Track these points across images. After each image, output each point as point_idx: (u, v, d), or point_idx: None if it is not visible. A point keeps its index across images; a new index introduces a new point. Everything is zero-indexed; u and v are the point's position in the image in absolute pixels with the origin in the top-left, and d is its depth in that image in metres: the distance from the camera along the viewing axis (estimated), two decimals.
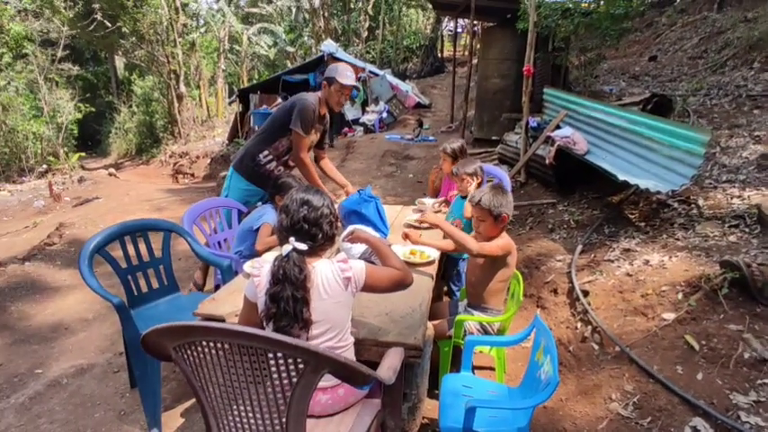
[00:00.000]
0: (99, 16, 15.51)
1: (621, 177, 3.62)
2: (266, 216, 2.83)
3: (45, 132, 14.99)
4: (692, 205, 3.59)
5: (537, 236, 4.19)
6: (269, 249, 2.69)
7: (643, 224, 3.66)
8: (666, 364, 2.25)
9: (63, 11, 15.65)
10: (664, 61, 8.80)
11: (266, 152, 3.22)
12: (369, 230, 2.40)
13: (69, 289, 4.36)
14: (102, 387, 2.73)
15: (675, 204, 3.71)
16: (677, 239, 3.20)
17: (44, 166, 14.28)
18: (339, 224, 1.64)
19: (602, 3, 6.42)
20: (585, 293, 3.02)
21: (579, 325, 2.88)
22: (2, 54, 15.00)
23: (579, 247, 3.60)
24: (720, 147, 4.43)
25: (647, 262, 3.03)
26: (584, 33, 6.80)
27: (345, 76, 3.06)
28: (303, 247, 1.44)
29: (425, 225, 2.96)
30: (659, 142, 3.77)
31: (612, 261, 3.23)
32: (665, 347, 2.35)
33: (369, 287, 1.55)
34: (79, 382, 2.81)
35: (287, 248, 1.44)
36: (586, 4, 6.69)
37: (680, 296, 2.59)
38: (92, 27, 16.17)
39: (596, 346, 2.63)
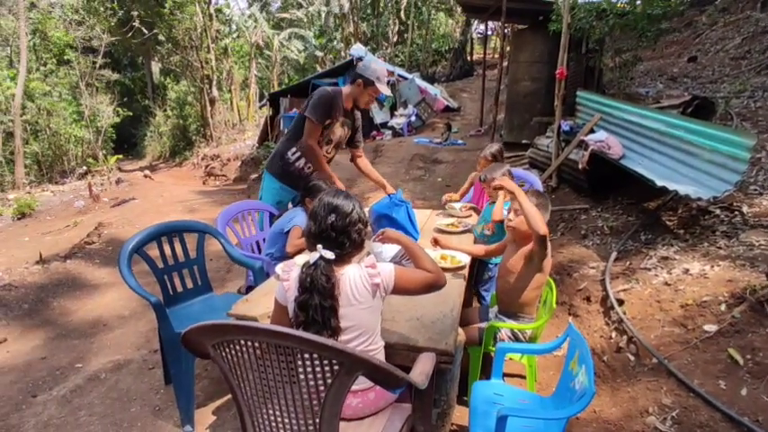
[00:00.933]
0: (137, 23, 16.09)
1: (659, 183, 3.50)
2: (297, 219, 2.86)
3: (85, 136, 15.66)
4: (736, 212, 3.45)
5: (569, 242, 4.10)
6: (300, 252, 2.72)
7: (682, 231, 3.53)
8: (708, 378, 2.16)
9: (105, 19, 16.30)
10: (704, 62, 8.49)
11: (294, 149, 3.21)
12: None
13: (107, 286, 4.52)
14: (138, 383, 2.81)
15: (717, 211, 3.56)
16: (719, 248, 3.07)
17: (84, 167, 14.89)
18: (368, 229, 1.64)
19: (638, 3, 6.26)
20: (620, 302, 2.94)
21: (614, 334, 2.80)
22: (47, 61, 15.75)
23: (614, 254, 3.50)
24: (766, 151, 4.24)
25: (686, 271, 2.92)
26: (620, 34, 6.63)
27: (384, 83, 3.04)
28: (330, 256, 1.43)
29: (456, 230, 2.95)
30: (700, 146, 3.63)
31: (649, 269, 3.13)
32: (706, 360, 2.26)
33: (400, 290, 1.54)
34: (116, 377, 2.90)
35: (314, 256, 1.44)
36: (622, 5, 6.52)
37: (723, 307, 2.48)
38: (130, 34, 16.78)
39: (632, 357, 2.55)
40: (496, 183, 2.34)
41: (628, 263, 3.34)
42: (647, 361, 2.45)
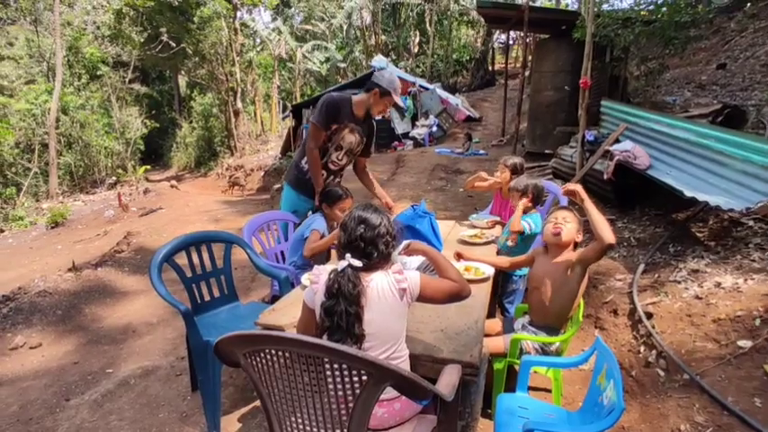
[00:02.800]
0: (165, 38, 16.62)
1: (688, 193, 3.43)
2: (315, 224, 2.90)
3: (115, 147, 16.18)
4: None
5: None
6: (316, 255, 2.78)
7: (713, 243, 3.44)
8: (742, 396, 2.09)
9: (135, 36, 16.90)
10: (734, 69, 8.29)
11: (306, 158, 3.22)
12: None
13: (136, 294, 4.64)
14: (166, 389, 2.87)
15: (750, 223, 3.46)
16: (753, 261, 2.98)
17: (114, 178, 15.38)
18: (395, 242, 1.66)
19: (664, 10, 6.17)
20: (649, 315, 2.87)
21: (642, 349, 2.73)
22: (80, 75, 16.39)
23: (641, 267, 3.43)
24: None
25: (718, 284, 2.84)
26: (646, 42, 6.54)
27: (398, 94, 3.06)
28: (358, 263, 1.48)
29: (480, 242, 2.94)
30: (731, 156, 3.54)
31: (679, 282, 3.05)
32: (740, 377, 2.19)
33: (425, 298, 1.56)
34: (145, 382, 2.97)
35: (342, 264, 1.49)
36: (647, 12, 6.45)
37: (758, 322, 2.40)
38: (158, 49, 17.34)
39: (662, 373, 2.48)
40: (570, 187, 2.27)
41: (656, 275, 3.27)
42: (678, 377, 2.38)
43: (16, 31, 16.82)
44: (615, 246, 2.07)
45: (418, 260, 2.28)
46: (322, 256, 2.97)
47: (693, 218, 3.95)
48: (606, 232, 2.04)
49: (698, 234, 3.70)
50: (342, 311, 1.43)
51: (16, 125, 13.30)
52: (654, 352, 2.63)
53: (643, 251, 3.74)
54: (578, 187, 2.24)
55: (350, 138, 3.17)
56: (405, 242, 2.37)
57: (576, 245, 2.30)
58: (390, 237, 1.57)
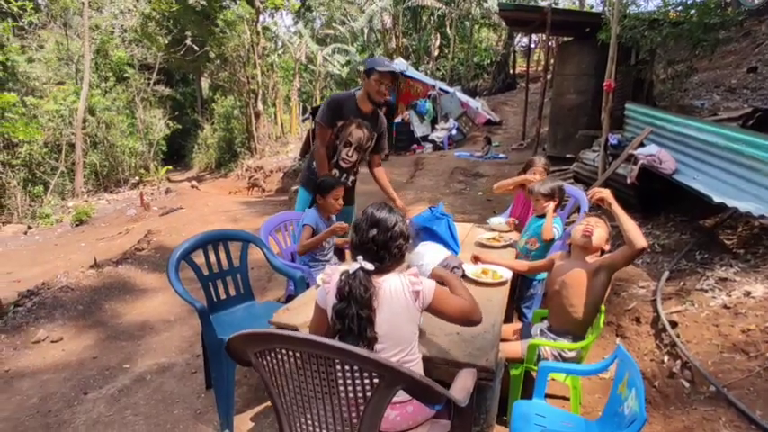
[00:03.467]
0: (189, 41, 16.94)
1: (717, 199, 3.31)
2: (306, 219, 2.92)
3: (139, 148, 16.53)
4: None
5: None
6: (308, 252, 2.89)
7: (742, 251, 3.31)
8: None
9: (160, 39, 17.28)
10: (765, 73, 8.03)
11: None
12: (440, 248, 2.37)
13: (155, 291, 4.70)
14: (181, 386, 2.89)
15: None
16: None
17: (136, 178, 15.71)
18: (410, 243, 1.63)
19: (693, 12, 6.00)
20: (673, 324, 2.77)
21: (666, 359, 2.64)
22: (107, 77, 16.82)
23: (666, 274, 3.32)
24: None
25: (748, 293, 2.72)
26: (673, 45, 6.37)
27: (383, 64, 3.01)
28: (370, 267, 1.45)
29: (498, 245, 2.89)
30: (763, 161, 3.41)
31: (706, 290, 2.94)
32: None
33: (435, 309, 1.53)
34: (161, 379, 2.99)
35: (354, 266, 1.46)
36: (675, 14, 6.29)
37: None
38: (183, 52, 17.68)
39: (687, 384, 2.39)
40: (598, 194, 2.20)
41: (681, 283, 3.16)
42: (704, 388, 2.29)
43: (46, 35, 17.35)
44: (648, 249, 2.00)
45: (436, 260, 2.24)
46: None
47: (721, 225, 3.82)
48: (638, 236, 1.98)
49: (726, 241, 3.57)
50: (353, 315, 1.41)
51: (45, 125, 13.70)
52: (678, 362, 2.53)
53: (668, 258, 3.63)
54: (606, 192, 2.18)
55: (357, 133, 3.17)
56: (420, 244, 2.35)
57: (602, 253, 2.22)
58: (404, 239, 1.54)
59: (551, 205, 2.77)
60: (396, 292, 1.46)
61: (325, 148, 3.18)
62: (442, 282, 1.67)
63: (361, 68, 20.24)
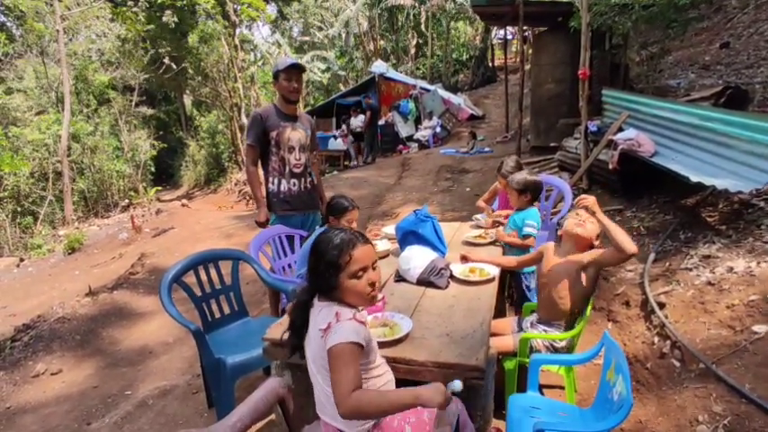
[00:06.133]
0: (167, 60, 16.88)
1: (695, 179, 3.38)
2: None
3: (126, 170, 16.44)
4: None
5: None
6: None
7: (724, 227, 3.38)
8: (761, 383, 2.05)
9: (138, 59, 17.21)
10: (738, 47, 8.14)
11: (269, 177, 3.26)
12: (427, 251, 2.41)
13: (152, 314, 4.71)
14: (184, 407, 2.90)
15: (762, 204, 3.40)
16: (766, 243, 2.93)
17: (126, 200, 15.62)
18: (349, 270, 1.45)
19: None
20: (662, 305, 2.83)
21: (656, 340, 2.70)
22: (89, 102, 16.73)
23: (652, 256, 3.39)
24: None
25: (730, 269, 2.79)
26: (645, 27, 6.45)
27: (284, 63, 3.09)
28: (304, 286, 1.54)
29: (484, 242, 2.93)
30: (737, 138, 3.49)
31: (690, 269, 3.01)
32: (757, 364, 2.15)
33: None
34: (163, 402, 3.01)
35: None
36: None
37: None
38: (161, 71, 17.62)
39: (677, 363, 2.45)
40: (584, 202, 2.19)
41: (667, 264, 3.23)
42: (694, 366, 2.35)
43: (24, 64, 17.23)
44: (638, 254, 2.04)
45: (423, 264, 2.27)
46: None
47: (703, 203, 3.89)
48: (627, 242, 2.00)
49: (708, 219, 3.64)
50: (293, 321, 1.53)
51: (30, 155, 13.60)
52: (668, 343, 2.59)
53: (653, 240, 3.70)
54: (591, 200, 2.18)
55: (295, 135, 3.19)
56: (407, 249, 2.39)
57: (592, 247, 2.25)
58: (328, 266, 1.42)
59: (518, 198, 2.85)
60: (315, 325, 1.44)
61: (254, 166, 3.22)
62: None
63: (341, 73, 20.30)
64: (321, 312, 1.43)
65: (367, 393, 1.30)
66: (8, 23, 17.29)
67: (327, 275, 1.41)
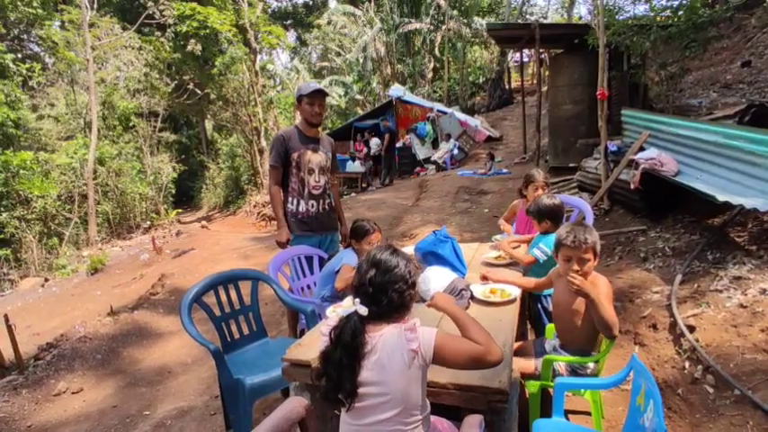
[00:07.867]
0: (191, 86, 17.45)
1: (721, 198, 3.29)
2: (346, 258, 2.91)
3: (148, 192, 16.85)
4: None
5: (627, 266, 3.89)
6: (348, 287, 2.75)
7: (754, 248, 3.27)
8: None
9: (163, 88, 17.83)
10: (759, 66, 8.05)
11: (289, 197, 3.28)
12: (446, 272, 2.38)
13: (171, 335, 4.73)
14: (201, 429, 2.88)
15: None
16: None
17: (148, 222, 15.94)
18: (413, 291, 1.47)
19: (680, 13, 6.07)
20: (691, 329, 2.73)
21: (687, 364, 2.59)
22: (114, 126, 17.31)
23: (679, 277, 3.29)
24: None
25: (763, 291, 2.69)
26: (664, 47, 6.43)
27: (307, 87, 3.15)
28: (364, 311, 1.37)
29: (505, 262, 2.89)
30: (764, 156, 3.40)
31: (721, 291, 2.91)
32: None
33: (441, 360, 1.37)
34: (181, 423, 2.99)
35: (349, 309, 1.41)
36: (662, 18, 6.37)
37: None
38: (185, 97, 18.20)
39: (710, 389, 2.34)
40: (575, 287, 1.96)
41: (695, 285, 3.13)
42: (729, 393, 2.24)
43: (54, 92, 17.98)
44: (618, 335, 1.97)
45: (441, 285, 2.24)
46: None
47: (731, 222, 3.79)
48: (609, 329, 1.93)
49: (737, 239, 3.54)
50: (336, 360, 1.35)
51: (58, 179, 14.07)
52: (700, 367, 2.49)
53: (679, 261, 3.59)
54: (581, 282, 1.96)
55: (315, 158, 3.25)
56: (427, 269, 2.36)
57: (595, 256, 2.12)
58: (405, 284, 1.42)
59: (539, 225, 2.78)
60: (392, 349, 1.34)
61: (277, 186, 3.27)
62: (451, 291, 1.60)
63: (359, 97, 20.64)
64: (392, 337, 1.36)
65: (476, 336, 1.40)
66: (41, 53, 18.16)
67: (410, 297, 1.44)
